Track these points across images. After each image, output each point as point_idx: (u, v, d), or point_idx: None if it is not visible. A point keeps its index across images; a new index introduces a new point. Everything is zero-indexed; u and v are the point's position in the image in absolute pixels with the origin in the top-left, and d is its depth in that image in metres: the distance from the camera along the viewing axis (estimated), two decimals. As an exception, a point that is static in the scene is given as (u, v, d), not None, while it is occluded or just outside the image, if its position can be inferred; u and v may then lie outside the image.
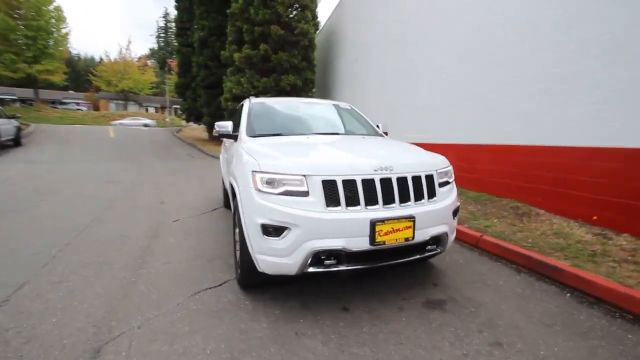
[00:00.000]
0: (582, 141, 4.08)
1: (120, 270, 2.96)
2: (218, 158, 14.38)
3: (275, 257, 2.12)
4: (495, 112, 5.29)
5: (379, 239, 2.08)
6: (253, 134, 3.16)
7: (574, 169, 4.14)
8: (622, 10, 3.69)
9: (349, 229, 2.07)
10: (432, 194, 2.36)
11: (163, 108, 47.20)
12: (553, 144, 4.39)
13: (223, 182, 5.21)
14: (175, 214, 4.86)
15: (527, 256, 3.05)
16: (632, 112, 3.60)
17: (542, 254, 3.11)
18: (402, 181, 2.24)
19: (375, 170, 2.19)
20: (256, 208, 2.15)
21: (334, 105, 4.10)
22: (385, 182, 2.19)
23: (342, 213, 2.08)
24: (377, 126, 3.77)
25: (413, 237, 2.19)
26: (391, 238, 2.12)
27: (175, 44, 23.43)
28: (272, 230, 2.10)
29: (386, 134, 3.74)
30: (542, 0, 4.55)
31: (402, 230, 2.15)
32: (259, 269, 2.22)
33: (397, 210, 2.18)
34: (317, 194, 2.08)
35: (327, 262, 2.12)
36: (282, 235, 2.08)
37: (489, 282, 2.81)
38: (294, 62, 13.28)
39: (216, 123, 3.49)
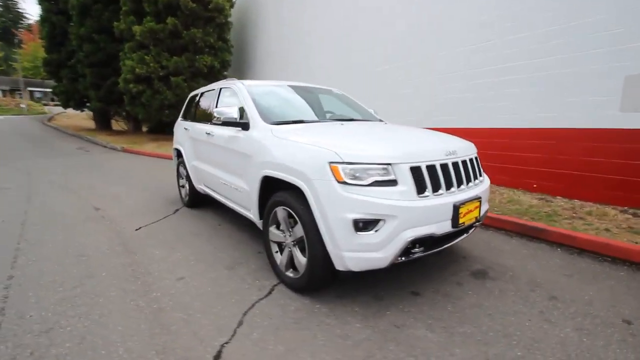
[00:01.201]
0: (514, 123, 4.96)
1: (128, 300, 2.34)
2: (121, 151, 12.30)
3: (368, 252, 1.99)
4: (437, 102, 5.92)
5: (460, 221, 2.17)
6: (273, 122, 2.81)
7: (511, 146, 5.00)
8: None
9: (438, 214, 2.08)
10: (480, 174, 2.55)
11: (13, 91, 37.23)
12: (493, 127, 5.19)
13: (184, 179, 4.54)
14: (127, 221, 4.02)
15: (514, 222, 3.59)
16: (545, 102, 4.52)
17: (521, 219, 3.71)
18: (465, 164, 2.36)
19: (447, 155, 2.24)
20: (344, 203, 1.96)
21: (330, 90, 3.94)
22: (455, 166, 2.27)
23: (431, 199, 2.07)
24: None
25: (479, 216, 2.35)
26: (468, 219, 2.24)
27: (24, 11, 18.50)
28: (366, 225, 1.96)
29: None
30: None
31: (473, 210, 2.27)
32: (344, 267, 2.06)
33: (467, 192, 2.29)
34: (407, 182, 2.02)
35: (414, 249, 2.10)
36: (376, 229, 1.97)
37: (499, 248, 3.21)
38: (210, 41, 12.09)
39: (216, 110, 2.98)
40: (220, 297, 2.36)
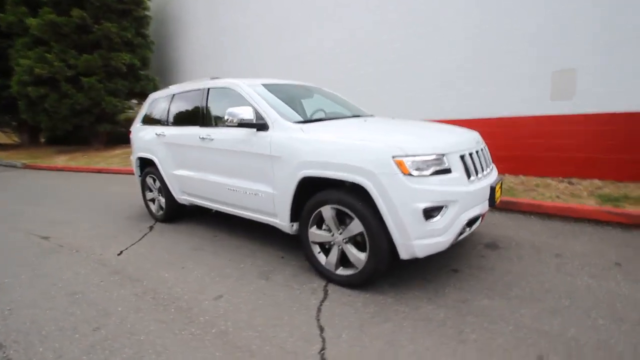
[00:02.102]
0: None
1: (176, 330, 2.05)
2: (22, 167, 10.14)
3: (434, 238, 2.11)
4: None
5: (496, 200, 2.45)
6: (296, 120, 2.73)
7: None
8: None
9: (482, 196, 2.32)
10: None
11: None
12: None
13: (155, 192, 4.08)
14: (99, 247, 3.46)
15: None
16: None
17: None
18: (485, 151, 2.66)
19: (476, 143, 2.51)
20: (413, 194, 2.05)
21: (320, 87, 3.93)
22: (481, 152, 2.55)
23: (476, 183, 2.30)
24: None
25: (501, 195, 2.68)
26: (498, 198, 2.53)
27: None
28: (433, 212, 2.09)
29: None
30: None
31: (499, 190, 2.58)
32: (410, 256, 2.14)
33: (492, 174, 2.59)
34: (459, 170, 2.21)
35: (465, 230, 2.30)
36: (441, 215, 2.11)
37: (490, 222, 3.66)
38: (127, 37, 10.78)
39: (229, 110, 2.75)
40: (279, 307, 2.24)
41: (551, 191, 4.39)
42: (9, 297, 2.53)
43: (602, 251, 2.84)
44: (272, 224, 2.92)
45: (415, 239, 2.10)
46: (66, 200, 5.63)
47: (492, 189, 2.40)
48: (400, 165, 2.08)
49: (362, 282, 2.35)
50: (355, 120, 2.95)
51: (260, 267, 2.85)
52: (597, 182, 4.59)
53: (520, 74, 5.05)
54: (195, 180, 3.50)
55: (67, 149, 12.83)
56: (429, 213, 2.08)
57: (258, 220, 3.03)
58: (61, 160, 10.41)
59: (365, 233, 2.23)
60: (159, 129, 3.94)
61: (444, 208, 2.11)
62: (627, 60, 4.25)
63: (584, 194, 4.19)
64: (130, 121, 7.89)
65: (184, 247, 3.37)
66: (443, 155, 2.17)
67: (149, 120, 4.26)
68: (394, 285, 2.43)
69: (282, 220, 2.76)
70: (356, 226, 2.27)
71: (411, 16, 6.07)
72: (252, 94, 2.99)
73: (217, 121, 3.29)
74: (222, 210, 3.38)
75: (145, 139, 4.13)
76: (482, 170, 2.47)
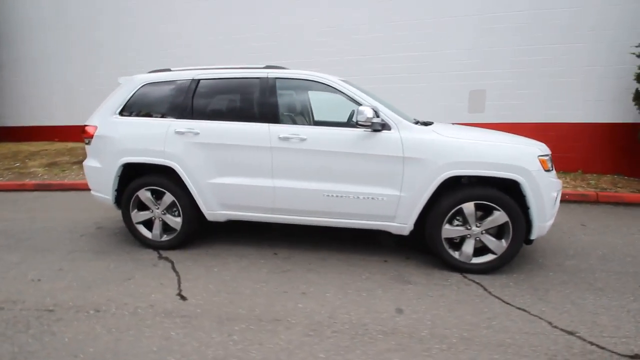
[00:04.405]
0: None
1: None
2: None
3: (552, 219, 2.71)
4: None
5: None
6: (413, 121, 2.78)
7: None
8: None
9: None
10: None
11: None
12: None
13: (157, 210, 3.12)
14: (131, 299, 2.41)
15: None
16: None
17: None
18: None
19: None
20: (551, 185, 2.60)
21: None
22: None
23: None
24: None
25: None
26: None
27: None
28: (556, 199, 2.67)
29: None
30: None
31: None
32: (539, 235, 2.63)
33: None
34: (551, 167, 2.88)
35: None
36: (558, 200, 2.72)
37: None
38: None
39: (360, 109, 2.49)
40: (462, 303, 2.31)
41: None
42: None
43: (629, 224, 4.19)
44: (379, 228, 2.84)
45: (548, 221, 2.64)
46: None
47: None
48: (542, 163, 2.56)
49: (498, 266, 2.71)
50: (451, 125, 3.24)
51: (386, 273, 2.74)
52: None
53: (446, 88, 6.40)
54: (257, 188, 2.88)
55: None
56: (555, 199, 2.67)
57: (357, 226, 2.87)
58: None
59: (510, 223, 2.59)
60: (177, 123, 2.95)
61: (558, 195, 2.74)
62: (527, 84, 6.06)
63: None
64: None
65: (258, 272, 2.76)
66: (548, 155, 2.80)
67: (139, 112, 3.09)
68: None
69: (402, 222, 2.75)
70: (501, 217, 2.60)
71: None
72: (354, 90, 2.80)
73: (302, 118, 2.86)
74: (292, 222, 2.96)
75: (145, 137, 2.99)
76: None
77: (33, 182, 5.51)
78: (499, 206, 2.58)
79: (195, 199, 2.98)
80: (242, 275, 2.70)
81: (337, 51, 6.76)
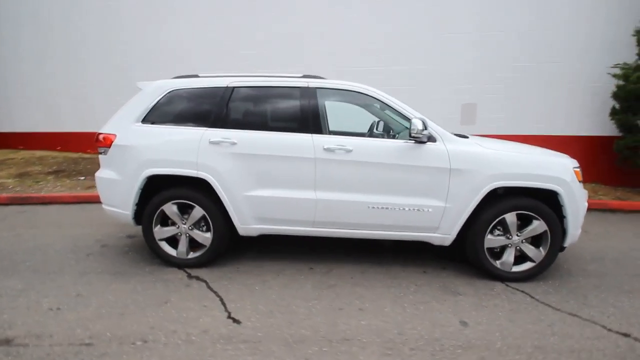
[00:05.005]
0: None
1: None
2: None
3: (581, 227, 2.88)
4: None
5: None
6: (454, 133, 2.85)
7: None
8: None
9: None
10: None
11: None
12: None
13: (184, 225, 2.90)
14: (182, 329, 2.21)
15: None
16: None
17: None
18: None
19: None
20: (583, 194, 2.78)
21: None
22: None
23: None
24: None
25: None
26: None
27: None
28: (587, 208, 2.85)
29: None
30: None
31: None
32: (571, 243, 2.77)
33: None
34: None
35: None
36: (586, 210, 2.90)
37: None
38: None
39: (415, 120, 2.51)
40: (518, 312, 2.37)
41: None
42: None
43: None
44: (421, 239, 2.86)
45: (579, 229, 2.80)
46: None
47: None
48: (577, 174, 2.72)
49: (537, 274, 2.81)
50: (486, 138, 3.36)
51: (431, 285, 2.74)
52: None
53: (439, 100, 6.65)
54: (298, 201, 2.77)
55: None
56: (586, 208, 2.83)
57: (398, 238, 2.87)
58: None
59: (549, 232, 2.71)
60: (211, 133, 2.77)
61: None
62: (513, 100, 6.45)
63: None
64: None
65: (302, 288, 2.65)
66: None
67: (164, 120, 2.87)
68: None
69: (445, 233, 2.78)
70: (540, 226, 2.71)
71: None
72: (400, 103, 2.81)
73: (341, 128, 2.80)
74: (332, 235, 2.89)
75: (174, 147, 2.77)
76: None
77: (6, 195, 4.89)
78: (538, 216, 2.69)
79: (229, 212, 2.80)
80: (288, 293, 2.57)
81: (334, 60, 6.80)
